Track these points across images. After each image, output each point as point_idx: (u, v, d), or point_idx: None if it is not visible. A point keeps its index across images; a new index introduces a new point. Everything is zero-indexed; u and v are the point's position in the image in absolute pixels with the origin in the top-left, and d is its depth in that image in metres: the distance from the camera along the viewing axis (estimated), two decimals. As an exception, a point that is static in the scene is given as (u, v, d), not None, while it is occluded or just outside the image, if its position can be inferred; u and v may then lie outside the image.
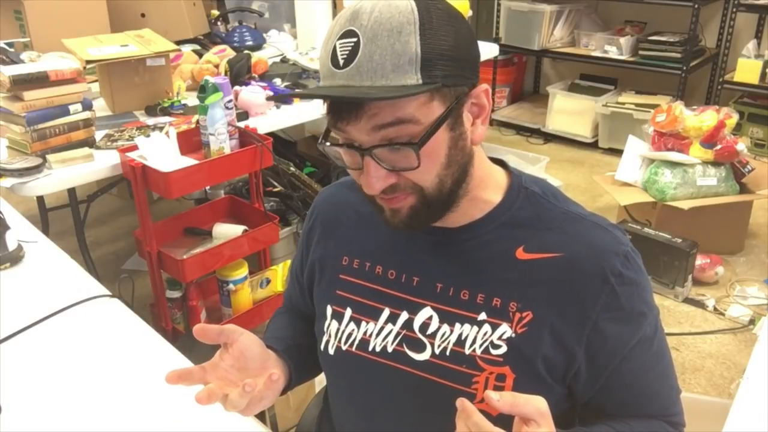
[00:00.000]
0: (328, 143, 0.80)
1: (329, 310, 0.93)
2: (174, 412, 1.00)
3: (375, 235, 0.92)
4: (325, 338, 0.93)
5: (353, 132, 0.74)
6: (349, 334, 0.90)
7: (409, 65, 0.70)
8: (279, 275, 2.30)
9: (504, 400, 0.68)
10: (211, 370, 0.81)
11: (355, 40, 0.71)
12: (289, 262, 2.36)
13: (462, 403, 0.68)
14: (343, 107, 0.73)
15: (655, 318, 0.85)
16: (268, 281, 2.31)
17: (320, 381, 1.06)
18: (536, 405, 0.70)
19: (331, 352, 0.92)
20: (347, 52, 0.71)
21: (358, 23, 0.71)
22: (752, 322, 2.44)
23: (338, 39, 0.73)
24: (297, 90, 0.69)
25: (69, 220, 2.34)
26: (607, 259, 0.80)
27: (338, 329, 0.91)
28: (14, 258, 1.39)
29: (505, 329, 0.81)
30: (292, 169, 2.70)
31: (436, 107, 0.73)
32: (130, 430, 0.98)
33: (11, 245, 1.39)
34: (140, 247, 2.10)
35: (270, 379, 0.80)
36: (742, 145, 2.83)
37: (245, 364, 0.84)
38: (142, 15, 2.81)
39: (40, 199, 2.67)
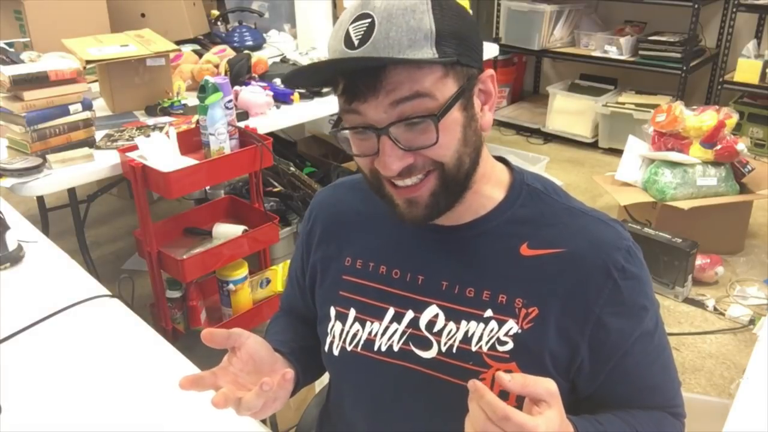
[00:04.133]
0: (338, 129, 0.79)
1: (333, 311, 0.93)
2: (174, 411, 1.00)
3: (377, 234, 0.92)
4: (329, 339, 0.93)
5: (369, 111, 0.74)
6: (354, 335, 0.90)
7: (424, 40, 0.71)
8: (279, 275, 2.30)
9: (515, 380, 0.67)
10: (222, 375, 0.81)
11: (369, 21, 0.72)
12: (289, 261, 2.36)
13: (474, 384, 0.67)
14: (360, 83, 0.73)
15: (656, 312, 0.86)
16: (268, 281, 2.31)
17: (320, 381, 1.06)
18: (546, 386, 0.69)
19: (336, 353, 0.91)
20: (362, 33, 0.72)
21: (371, 6, 0.73)
22: (752, 322, 2.44)
23: (351, 23, 0.73)
24: (310, 64, 0.67)
25: (69, 220, 2.34)
26: (609, 253, 0.81)
27: (342, 330, 0.91)
28: (14, 258, 1.39)
29: (512, 325, 0.82)
30: (292, 169, 2.70)
31: (450, 85, 0.75)
32: (130, 431, 0.98)
33: (11, 245, 1.39)
34: (140, 247, 2.10)
35: (284, 378, 0.79)
36: (742, 145, 2.83)
37: (254, 368, 0.84)
38: (142, 15, 2.81)
39: (40, 199, 2.67)
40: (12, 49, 2.53)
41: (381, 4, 0.72)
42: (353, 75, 0.73)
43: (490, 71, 0.80)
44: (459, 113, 0.76)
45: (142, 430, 0.98)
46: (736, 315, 2.51)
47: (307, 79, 0.79)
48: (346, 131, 0.79)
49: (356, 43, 0.72)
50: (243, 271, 2.18)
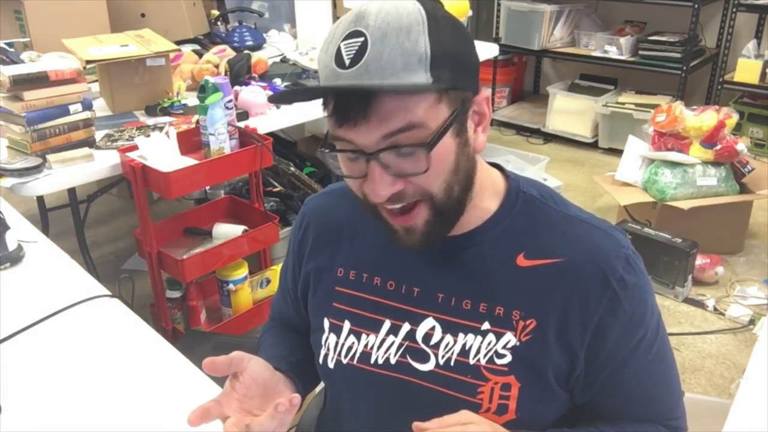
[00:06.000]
0: (327, 151, 0.76)
1: (326, 323, 0.92)
2: (174, 411, 1.00)
3: (370, 245, 0.90)
4: (323, 352, 0.92)
5: (359, 137, 0.71)
6: (349, 347, 0.89)
7: (419, 64, 0.69)
8: (279, 275, 2.30)
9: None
10: (226, 402, 0.80)
11: (362, 39, 0.69)
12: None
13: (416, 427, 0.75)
14: (351, 108, 0.70)
15: (657, 321, 0.84)
16: (268, 281, 2.31)
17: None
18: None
19: (331, 365, 0.90)
20: (354, 52, 0.69)
21: (365, 23, 0.70)
22: (752, 322, 2.44)
23: (343, 40, 0.70)
24: (301, 87, 0.66)
25: (69, 220, 2.34)
26: (608, 263, 0.80)
27: (337, 342, 0.90)
28: (14, 258, 1.39)
29: (510, 338, 0.81)
30: (292, 169, 2.71)
31: (443, 110, 0.72)
32: (130, 431, 0.98)
33: (11, 245, 1.39)
34: (140, 247, 2.10)
35: (291, 403, 0.78)
36: (742, 145, 2.83)
37: (257, 391, 0.83)
38: (142, 15, 2.81)
39: (40, 199, 2.68)
40: (12, 49, 2.53)
41: (375, 23, 0.69)
42: (344, 98, 0.71)
43: (485, 93, 0.78)
44: (452, 139, 0.74)
45: (142, 430, 0.98)
46: (736, 315, 2.51)
47: (296, 100, 0.77)
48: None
49: (347, 62, 0.69)
50: (243, 271, 2.18)
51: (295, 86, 2.53)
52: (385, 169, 0.73)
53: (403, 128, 0.70)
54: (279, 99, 0.78)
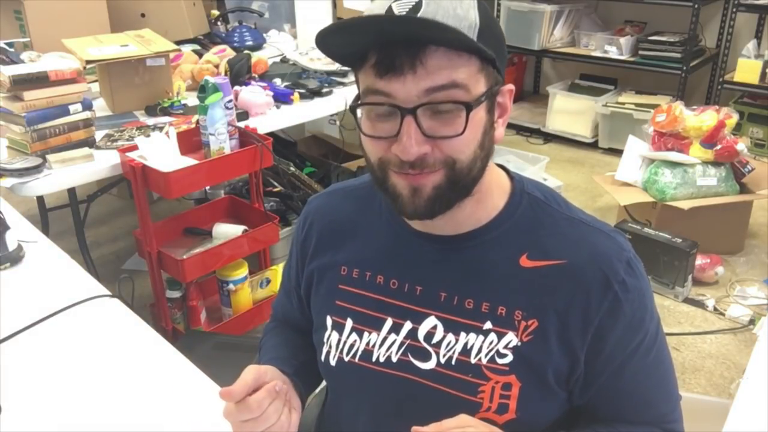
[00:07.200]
0: (360, 104, 0.76)
1: (329, 320, 0.92)
2: (174, 411, 1.00)
3: (374, 243, 0.90)
4: (325, 349, 0.92)
5: (401, 88, 0.71)
6: (351, 345, 0.89)
7: (468, 30, 0.72)
8: (279, 275, 2.30)
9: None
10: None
11: (416, 0, 0.71)
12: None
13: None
14: (399, 56, 0.70)
15: (656, 325, 0.85)
16: (268, 281, 2.31)
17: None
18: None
19: (333, 363, 0.90)
20: (407, 9, 0.71)
21: None
22: (752, 322, 2.44)
23: (395, 0, 0.72)
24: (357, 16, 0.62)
25: (69, 220, 2.34)
26: (610, 265, 0.80)
27: (339, 340, 0.90)
28: (14, 258, 1.39)
29: (511, 338, 0.81)
30: (292, 169, 2.71)
31: (481, 82, 0.74)
32: (130, 431, 0.98)
33: (11, 245, 1.39)
34: (140, 247, 2.10)
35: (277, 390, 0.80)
36: (742, 145, 2.83)
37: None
38: (142, 15, 2.81)
39: (40, 199, 2.68)
40: (12, 49, 2.53)
41: None
42: (393, 48, 0.71)
43: (510, 86, 0.80)
44: (484, 113, 0.76)
45: (142, 430, 0.98)
46: (736, 315, 2.51)
47: (342, 38, 0.73)
48: (366, 107, 0.76)
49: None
50: (243, 271, 2.18)
51: (294, 86, 2.53)
52: (419, 126, 0.73)
53: (446, 85, 0.71)
54: (326, 33, 0.74)
